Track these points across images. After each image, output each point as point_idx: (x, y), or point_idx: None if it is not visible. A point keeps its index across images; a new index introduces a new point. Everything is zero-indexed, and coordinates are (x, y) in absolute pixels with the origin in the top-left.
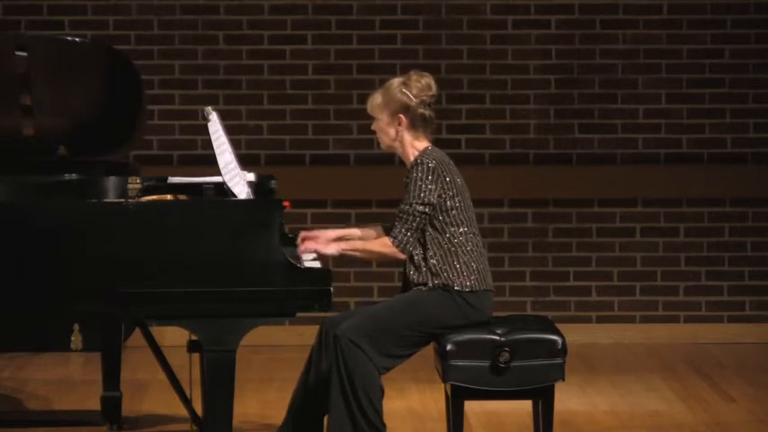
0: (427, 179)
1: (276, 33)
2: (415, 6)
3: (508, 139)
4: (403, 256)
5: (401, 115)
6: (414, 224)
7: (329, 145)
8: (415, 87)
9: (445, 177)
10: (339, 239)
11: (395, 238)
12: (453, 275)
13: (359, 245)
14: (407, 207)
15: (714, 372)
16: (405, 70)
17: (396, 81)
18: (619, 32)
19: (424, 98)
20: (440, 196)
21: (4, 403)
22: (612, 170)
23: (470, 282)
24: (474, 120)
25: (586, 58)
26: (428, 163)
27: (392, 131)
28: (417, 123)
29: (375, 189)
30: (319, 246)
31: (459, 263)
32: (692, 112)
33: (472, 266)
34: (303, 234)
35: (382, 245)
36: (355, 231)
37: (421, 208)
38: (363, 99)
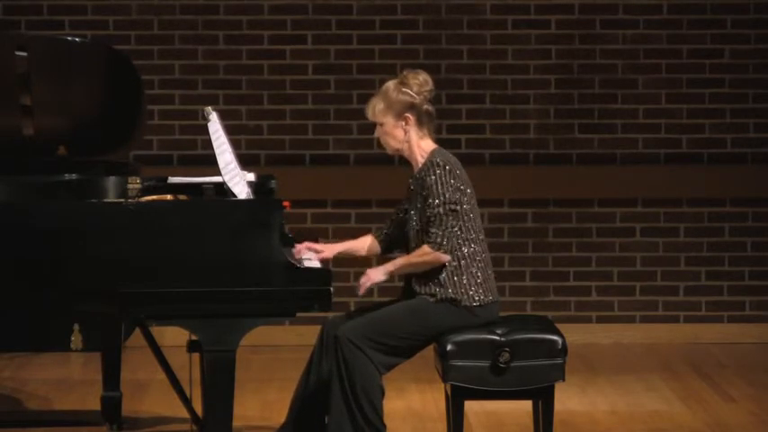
0: (450, 178)
1: (276, 33)
2: (415, 6)
3: (508, 139)
4: (447, 257)
5: (407, 114)
6: (448, 222)
7: (329, 145)
8: (415, 85)
9: (459, 183)
10: (343, 251)
11: (432, 242)
12: (461, 289)
13: (402, 261)
14: (437, 209)
15: (714, 372)
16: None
17: (392, 84)
18: (619, 32)
19: (425, 94)
20: (458, 198)
21: (4, 403)
22: (612, 170)
23: (478, 295)
24: (474, 120)
25: (586, 58)
26: (444, 164)
27: (400, 133)
28: (423, 120)
29: (375, 189)
30: (368, 280)
31: (466, 275)
32: (692, 112)
33: (479, 278)
34: (308, 245)
35: (422, 254)
36: (353, 243)
37: (451, 205)
38: (363, 99)
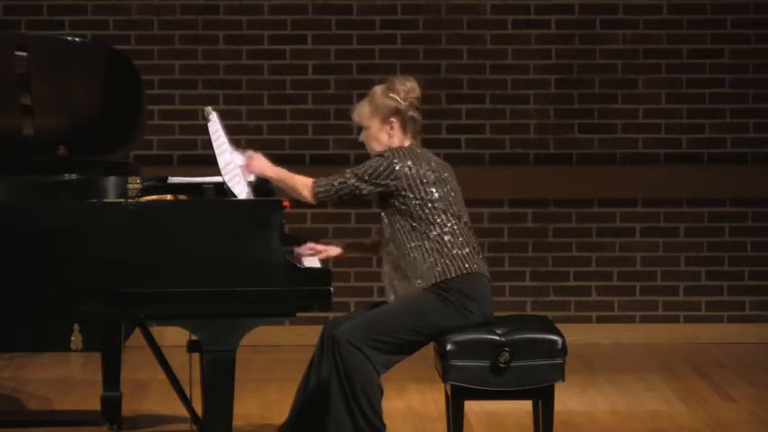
0: (381, 168)
1: (276, 33)
2: (415, 6)
3: (508, 139)
4: (310, 201)
5: (392, 119)
6: (340, 187)
7: (329, 145)
8: (402, 91)
9: (414, 175)
10: (348, 245)
11: (318, 184)
12: (442, 270)
13: (284, 173)
14: (347, 172)
15: (714, 372)
16: (405, 70)
17: (379, 88)
18: (619, 32)
19: (412, 100)
20: (396, 188)
21: (4, 403)
22: (612, 170)
23: (458, 266)
24: (474, 120)
25: (586, 58)
26: (389, 156)
27: (384, 137)
28: (408, 126)
29: None
30: (256, 163)
31: (446, 256)
32: (692, 112)
33: (458, 255)
34: (310, 245)
35: (303, 183)
36: (359, 242)
37: (357, 183)
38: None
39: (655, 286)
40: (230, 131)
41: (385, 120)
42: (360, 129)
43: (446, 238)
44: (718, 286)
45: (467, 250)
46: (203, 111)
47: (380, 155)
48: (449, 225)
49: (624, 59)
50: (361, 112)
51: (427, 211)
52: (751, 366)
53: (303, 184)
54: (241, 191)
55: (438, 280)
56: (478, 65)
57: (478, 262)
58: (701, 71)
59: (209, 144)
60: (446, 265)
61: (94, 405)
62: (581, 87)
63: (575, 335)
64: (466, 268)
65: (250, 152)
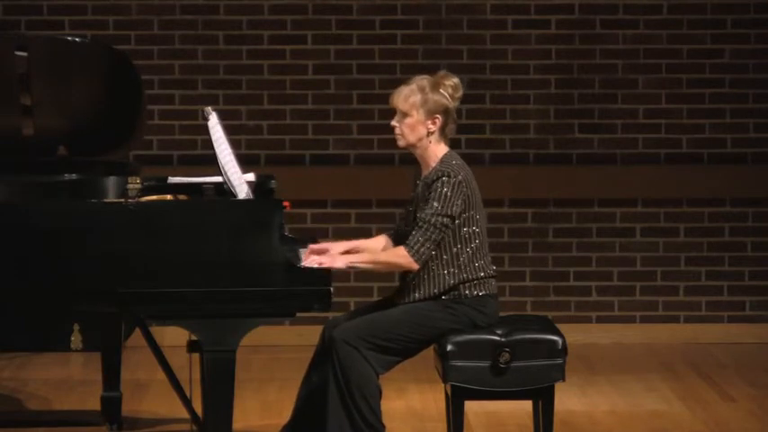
0: (455, 193)
1: (276, 33)
2: (415, 6)
3: (508, 139)
4: (417, 267)
5: (438, 116)
6: (433, 235)
7: (329, 145)
8: (450, 87)
9: (468, 192)
10: (348, 252)
11: (411, 247)
12: (461, 288)
13: (370, 257)
14: (430, 217)
15: (714, 372)
16: (405, 70)
17: (427, 81)
18: (619, 32)
19: (457, 100)
20: (463, 211)
21: (4, 403)
22: (612, 170)
23: (477, 290)
24: (474, 120)
25: (586, 58)
26: (456, 176)
27: (422, 130)
28: (448, 126)
29: (375, 189)
30: (326, 260)
31: (469, 274)
32: (692, 112)
33: (480, 275)
34: (311, 247)
35: (396, 255)
36: (363, 243)
37: (444, 220)
38: (363, 99)
39: (655, 286)
40: (230, 131)
41: (430, 114)
42: (395, 113)
43: (472, 257)
44: (718, 286)
45: (492, 278)
46: (203, 111)
47: (441, 176)
48: (480, 247)
49: (624, 59)
50: (409, 99)
51: (465, 229)
52: (751, 366)
53: (400, 258)
54: (241, 191)
55: (453, 296)
56: (478, 65)
57: (492, 283)
58: (701, 71)
59: (209, 144)
60: (464, 282)
61: (94, 405)
62: (581, 87)
63: (575, 335)
64: (482, 291)
65: (312, 248)
